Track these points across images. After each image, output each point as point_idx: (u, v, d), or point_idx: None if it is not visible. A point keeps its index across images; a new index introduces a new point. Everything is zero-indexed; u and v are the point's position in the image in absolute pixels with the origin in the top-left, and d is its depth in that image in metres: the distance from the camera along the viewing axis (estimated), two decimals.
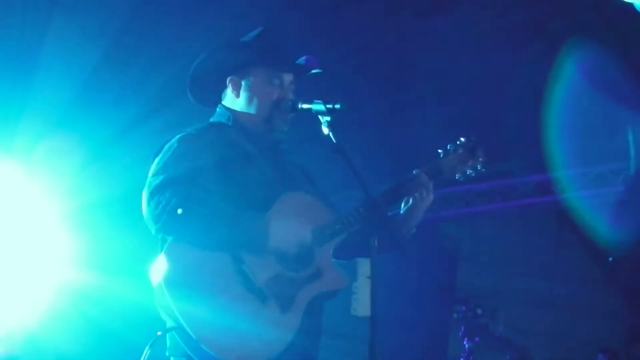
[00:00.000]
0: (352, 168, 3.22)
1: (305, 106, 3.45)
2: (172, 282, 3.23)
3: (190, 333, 3.19)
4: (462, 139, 3.63)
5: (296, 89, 3.66)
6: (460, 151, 3.63)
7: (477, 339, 6.70)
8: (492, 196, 7.84)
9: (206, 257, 3.29)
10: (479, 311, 6.72)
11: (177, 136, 3.52)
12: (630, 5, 3.60)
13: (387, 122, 7.27)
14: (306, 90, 3.65)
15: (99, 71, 5.77)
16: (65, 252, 5.84)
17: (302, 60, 3.67)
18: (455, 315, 6.81)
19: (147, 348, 3.29)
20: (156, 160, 3.49)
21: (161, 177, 3.36)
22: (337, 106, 3.30)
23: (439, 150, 3.65)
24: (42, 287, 5.79)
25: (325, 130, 3.30)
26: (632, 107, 6.76)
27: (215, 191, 3.36)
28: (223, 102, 3.73)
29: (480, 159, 3.60)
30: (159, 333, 3.32)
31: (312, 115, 3.40)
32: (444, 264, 7.74)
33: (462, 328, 6.77)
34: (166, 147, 3.51)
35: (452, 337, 7.25)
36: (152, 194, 3.32)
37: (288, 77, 3.64)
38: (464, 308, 6.77)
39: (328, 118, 3.30)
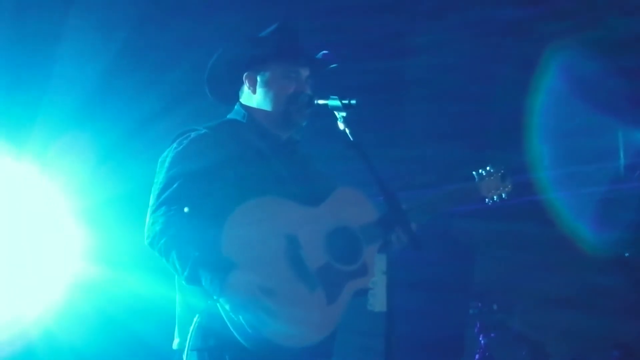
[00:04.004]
0: (369, 164, 3.22)
1: (321, 102, 3.46)
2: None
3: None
4: (495, 167, 3.98)
5: (313, 85, 3.66)
6: (493, 177, 3.96)
7: (492, 334, 6.69)
8: None
9: (261, 234, 3.30)
10: (495, 307, 6.71)
11: (177, 143, 3.52)
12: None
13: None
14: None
15: (113, 69, 5.79)
16: (80, 249, 5.86)
17: (319, 55, 3.68)
18: (471, 311, 6.81)
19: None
20: (161, 162, 3.51)
21: (156, 193, 3.38)
22: (353, 102, 3.31)
23: (474, 173, 3.97)
24: (57, 283, 5.81)
25: (341, 126, 3.31)
26: (621, 110, 6.75)
27: (214, 193, 3.35)
28: (241, 100, 3.73)
29: (507, 188, 4.01)
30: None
31: (327, 111, 3.41)
32: (460, 259, 7.71)
33: (478, 324, 6.76)
34: (171, 148, 3.52)
35: (468, 333, 7.23)
36: (151, 212, 3.35)
37: (304, 72, 3.64)
38: (479, 304, 6.76)
39: (344, 114, 3.31)
